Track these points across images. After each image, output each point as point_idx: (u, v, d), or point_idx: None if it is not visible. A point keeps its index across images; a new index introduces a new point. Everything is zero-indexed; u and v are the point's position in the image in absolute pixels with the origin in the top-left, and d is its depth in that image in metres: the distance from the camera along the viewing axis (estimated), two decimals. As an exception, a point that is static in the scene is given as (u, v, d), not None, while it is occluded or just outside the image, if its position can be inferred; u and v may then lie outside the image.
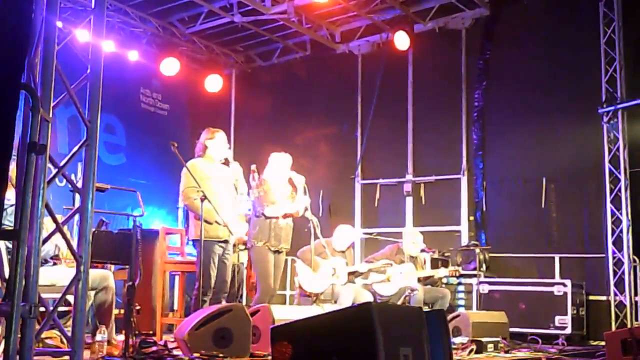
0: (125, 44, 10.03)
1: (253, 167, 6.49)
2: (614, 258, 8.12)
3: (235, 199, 6.35)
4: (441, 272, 7.81)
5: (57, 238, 4.86)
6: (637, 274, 8.09)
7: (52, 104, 3.06)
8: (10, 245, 4.38)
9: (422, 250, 8.02)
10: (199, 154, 6.27)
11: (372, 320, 3.29)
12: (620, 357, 5.11)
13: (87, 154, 3.36)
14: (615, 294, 8.06)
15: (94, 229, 4.11)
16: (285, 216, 6.40)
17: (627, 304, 7.95)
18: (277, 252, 6.38)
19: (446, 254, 8.91)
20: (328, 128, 10.71)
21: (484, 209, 9.32)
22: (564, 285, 7.81)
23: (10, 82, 2.56)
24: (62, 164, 3.26)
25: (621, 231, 8.11)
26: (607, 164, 8.25)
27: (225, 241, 6.09)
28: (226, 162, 6.35)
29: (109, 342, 4.95)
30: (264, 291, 6.26)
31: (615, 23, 8.35)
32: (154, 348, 4.93)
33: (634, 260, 8.06)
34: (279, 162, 6.52)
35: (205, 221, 5.84)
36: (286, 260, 8.61)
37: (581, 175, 8.66)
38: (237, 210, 6.45)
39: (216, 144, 6.25)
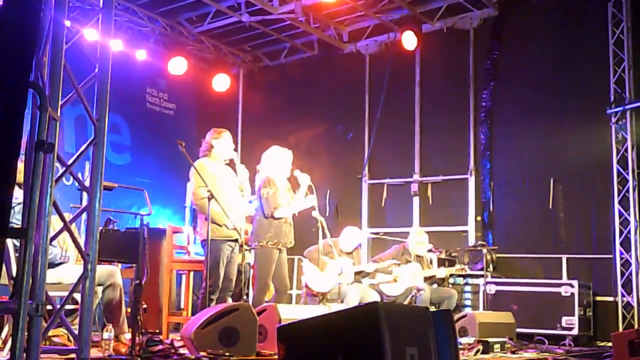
0: (132, 43, 10.03)
1: (259, 167, 6.49)
2: (621, 259, 8.10)
3: (241, 199, 6.34)
4: (441, 272, 7.80)
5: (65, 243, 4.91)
6: (645, 275, 8.07)
7: (60, 103, 3.08)
8: (18, 244, 4.40)
9: (429, 250, 8.02)
10: (204, 153, 6.27)
11: (378, 320, 3.28)
12: (628, 358, 5.09)
13: (94, 153, 3.38)
14: (623, 295, 8.03)
15: (101, 228, 4.12)
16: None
17: (635, 304, 7.92)
18: (281, 249, 6.37)
19: (453, 254, 8.89)
20: (335, 128, 10.70)
21: (491, 209, 9.30)
22: (571, 286, 7.78)
23: (19, 81, 2.56)
24: (69, 162, 3.27)
25: (629, 232, 8.08)
26: (615, 165, 8.22)
27: (235, 240, 6.10)
28: (232, 164, 6.34)
29: (119, 339, 4.96)
30: (261, 289, 6.28)
31: (623, 24, 8.32)
32: (161, 347, 4.93)
33: (642, 261, 8.04)
34: (283, 159, 6.47)
35: (215, 223, 5.85)
36: (292, 260, 8.64)
37: (589, 176, 8.62)
38: (243, 210, 6.44)
39: (222, 143, 6.25)
